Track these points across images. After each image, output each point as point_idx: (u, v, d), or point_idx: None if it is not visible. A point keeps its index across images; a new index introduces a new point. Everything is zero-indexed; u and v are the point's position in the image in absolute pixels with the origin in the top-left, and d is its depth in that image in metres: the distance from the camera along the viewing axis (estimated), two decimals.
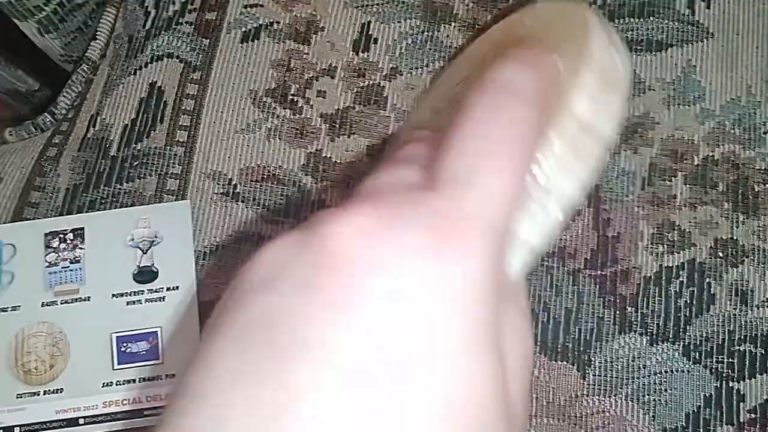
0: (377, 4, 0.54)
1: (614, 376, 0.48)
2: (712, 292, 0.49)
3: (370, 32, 0.53)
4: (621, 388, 0.48)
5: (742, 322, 0.49)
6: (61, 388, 0.47)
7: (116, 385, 0.47)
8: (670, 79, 0.53)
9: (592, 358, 0.48)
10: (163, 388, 0.47)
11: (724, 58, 0.53)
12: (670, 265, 0.50)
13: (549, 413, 0.48)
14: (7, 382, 0.47)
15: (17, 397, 0.47)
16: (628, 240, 0.50)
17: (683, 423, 0.48)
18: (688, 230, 0.50)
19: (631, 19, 0.54)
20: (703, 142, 0.52)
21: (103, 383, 0.47)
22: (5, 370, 0.47)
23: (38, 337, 0.47)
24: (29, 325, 0.48)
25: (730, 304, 0.49)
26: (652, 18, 0.54)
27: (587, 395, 0.48)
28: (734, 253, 0.50)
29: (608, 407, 0.48)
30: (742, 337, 0.49)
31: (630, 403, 0.48)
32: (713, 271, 0.50)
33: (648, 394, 0.48)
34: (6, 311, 0.48)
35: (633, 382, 0.48)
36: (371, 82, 0.52)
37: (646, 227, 0.50)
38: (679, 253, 0.50)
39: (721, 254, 0.50)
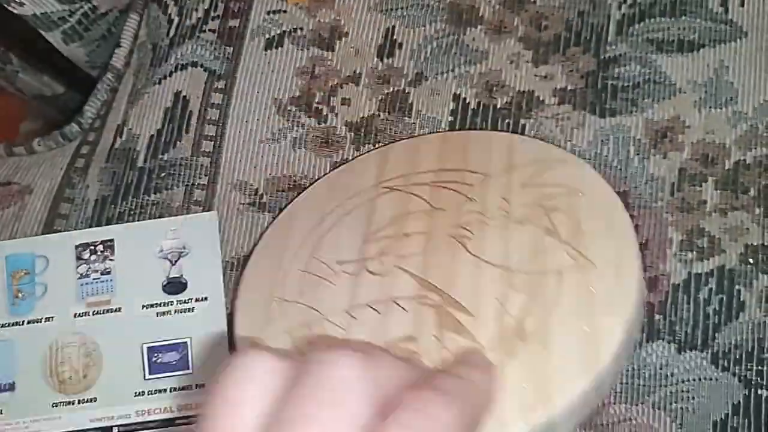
0: (401, 8, 0.53)
1: (641, 384, 0.48)
2: (741, 299, 0.49)
3: (394, 37, 0.53)
4: (648, 397, 0.48)
5: None
6: (95, 398, 0.48)
7: (148, 394, 0.48)
8: (702, 81, 0.52)
9: (619, 355, 0.47)
10: (193, 398, 0.48)
11: (759, 57, 0.52)
12: (700, 272, 0.49)
13: None
14: (44, 391, 0.48)
15: (53, 406, 0.48)
16: (657, 247, 0.49)
17: None
18: (717, 236, 0.50)
19: (663, 19, 0.53)
20: (734, 146, 0.51)
21: (136, 392, 0.48)
22: (41, 380, 0.48)
23: (72, 348, 0.48)
24: (63, 335, 0.49)
25: (760, 312, 0.49)
26: (684, 17, 0.53)
27: (614, 403, 0.48)
28: (765, 259, 0.49)
29: (635, 415, 0.48)
30: None
31: (657, 411, 0.48)
32: (743, 278, 0.49)
33: (675, 403, 0.48)
34: (40, 322, 0.49)
35: (660, 390, 0.48)
36: (396, 89, 0.52)
37: (675, 234, 0.50)
38: (708, 259, 0.49)
39: (751, 260, 0.49)
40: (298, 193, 0.50)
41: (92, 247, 0.50)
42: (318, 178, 0.50)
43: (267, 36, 0.53)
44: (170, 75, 0.53)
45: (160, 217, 0.50)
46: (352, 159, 0.50)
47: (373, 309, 0.42)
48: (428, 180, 0.46)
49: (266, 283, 0.45)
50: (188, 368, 0.48)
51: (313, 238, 0.46)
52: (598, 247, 0.42)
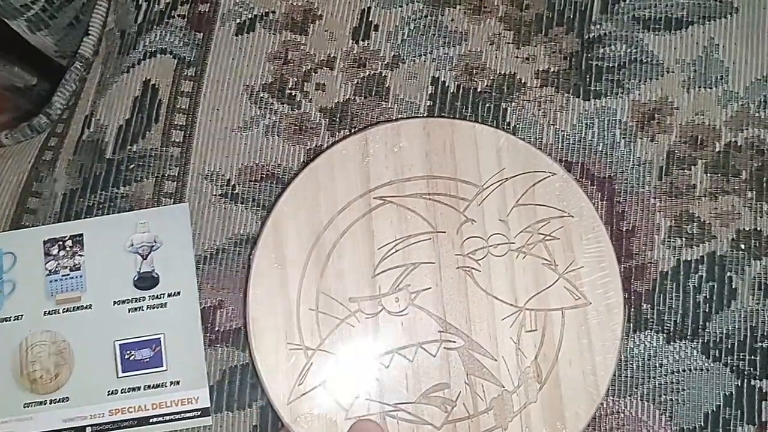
0: None
1: (629, 375, 0.46)
2: (733, 287, 0.47)
3: (370, 19, 0.51)
4: (636, 388, 0.46)
5: (765, 318, 0.47)
6: (67, 397, 0.47)
7: (121, 393, 0.47)
8: (691, 60, 0.50)
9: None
10: (167, 395, 0.46)
11: (750, 34, 0.50)
12: (689, 259, 0.47)
13: None
14: (14, 391, 0.47)
15: (24, 407, 0.47)
16: (644, 234, 0.48)
17: (702, 423, 0.46)
18: (708, 222, 0.48)
19: None
20: (725, 127, 0.49)
21: (108, 391, 0.47)
22: (12, 380, 0.47)
23: (42, 346, 0.47)
24: (33, 334, 0.47)
25: (753, 299, 0.47)
26: None
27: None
28: (757, 245, 0.48)
29: (623, 408, 0.46)
30: (765, 334, 0.47)
31: (646, 403, 0.46)
32: (734, 265, 0.47)
33: (665, 394, 0.46)
34: (9, 321, 0.47)
35: (649, 381, 0.46)
36: (372, 72, 0.50)
37: (663, 220, 0.48)
38: (698, 246, 0.48)
39: (743, 246, 0.48)
40: (281, 187, 0.48)
41: (61, 243, 0.48)
42: (295, 173, 0.47)
43: (238, 20, 0.51)
44: (139, 63, 0.51)
45: (129, 210, 0.48)
46: (325, 149, 0.47)
47: (403, 356, 0.44)
48: (420, 190, 0.46)
49: (279, 329, 0.44)
50: (162, 365, 0.47)
51: (315, 269, 0.45)
52: (591, 281, 0.45)
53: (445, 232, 0.45)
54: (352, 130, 0.49)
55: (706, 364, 0.46)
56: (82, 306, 0.48)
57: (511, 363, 0.44)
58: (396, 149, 0.46)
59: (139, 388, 0.47)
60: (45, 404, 0.47)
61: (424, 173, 0.46)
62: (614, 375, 0.45)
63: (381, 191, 0.46)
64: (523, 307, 0.44)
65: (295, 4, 0.51)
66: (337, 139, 0.48)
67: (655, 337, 0.47)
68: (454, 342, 0.44)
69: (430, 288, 0.45)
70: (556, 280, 0.45)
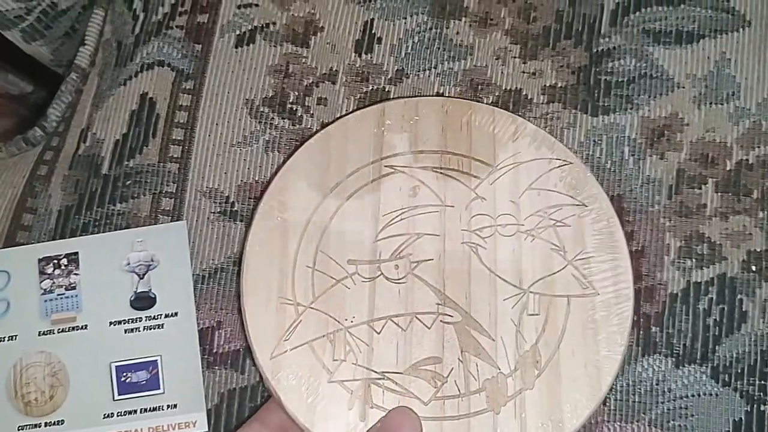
0: None
1: (637, 400, 0.45)
2: (743, 310, 0.46)
3: (373, 31, 0.50)
4: (644, 414, 0.45)
5: None
6: (62, 420, 0.46)
7: (117, 416, 0.46)
8: (702, 75, 0.48)
9: (613, 382, 0.45)
10: (164, 419, 0.45)
11: (762, 49, 0.49)
12: (699, 280, 0.46)
13: None
14: (8, 414, 0.46)
15: (18, 430, 0.46)
16: (653, 254, 0.46)
17: None
18: (718, 242, 0.47)
19: (660, 8, 0.49)
20: (736, 145, 0.48)
21: (104, 414, 0.46)
22: (5, 402, 0.46)
23: (37, 368, 0.46)
24: (27, 355, 0.46)
25: (764, 323, 0.46)
26: (682, 5, 0.49)
27: (608, 421, 0.45)
28: None
29: None
30: None
31: (653, 429, 0.45)
32: (746, 287, 0.46)
33: (673, 420, 0.45)
34: (3, 341, 0.46)
35: (657, 407, 0.45)
36: (375, 87, 0.49)
37: (673, 240, 0.47)
38: (708, 267, 0.46)
39: (754, 268, 0.46)
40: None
41: (56, 261, 0.47)
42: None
43: (237, 32, 0.50)
44: (136, 75, 0.49)
45: (126, 227, 0.47)
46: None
47: (396, 324, 0.42)
48: (432, 164, 0.45)
49: (273, 280, 0.43)
50: (159, 388, 0.46)
51: (317, 227, 0.44)
52: (601, 273, 0.43)
53: (453, 206, 0.44)
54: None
55: (716, 389, 0.45)
56: (77, 326, 0.46)
57: (509, 345, 0.42)
58: (412, 122, 0.46)
59: (135, 411, 0.46)
60: (39, 427, 0.46)
61: (439, 148, 0.45)
62: (619, 371, 0.43)
63: (393, 160, 0.45)
64: (527, 289, 0.43)
65: (296, 15, 0.50)
66: (354, 108, 0.48)
67: (663, 360, 0.46)
68: (452, 316, 0.43)
69: (432, 259, 0.43)
70: (564, 267, 0.44)
